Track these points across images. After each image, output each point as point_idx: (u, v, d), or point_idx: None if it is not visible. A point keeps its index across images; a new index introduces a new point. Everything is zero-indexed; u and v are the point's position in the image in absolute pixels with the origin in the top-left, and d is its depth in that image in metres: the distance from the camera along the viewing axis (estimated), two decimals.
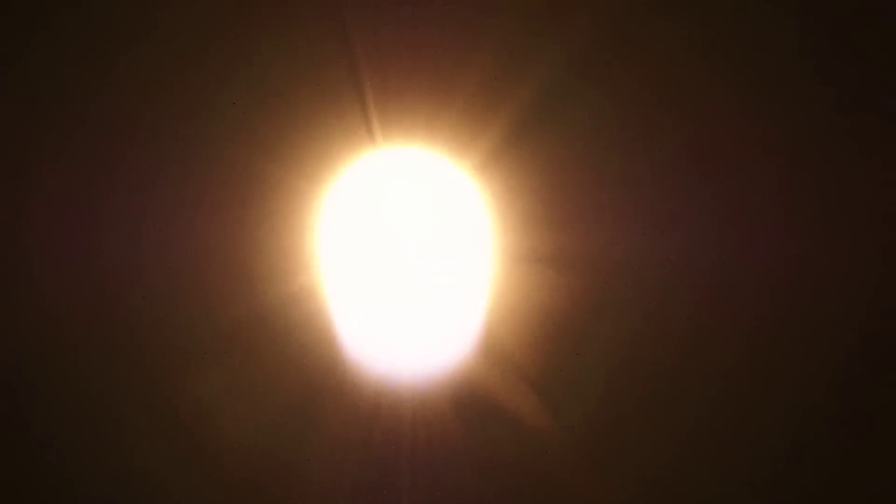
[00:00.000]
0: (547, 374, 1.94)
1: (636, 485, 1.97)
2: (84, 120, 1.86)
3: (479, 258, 1.93)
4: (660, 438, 1.97)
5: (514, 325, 1.93)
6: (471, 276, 1.93)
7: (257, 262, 1.88)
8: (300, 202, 1.89)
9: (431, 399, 1.93)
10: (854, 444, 1.97)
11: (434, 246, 1.93)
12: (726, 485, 1.97)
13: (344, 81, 1.86)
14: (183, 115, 1.82)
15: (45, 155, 1.87)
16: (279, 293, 1.90)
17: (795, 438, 1.96)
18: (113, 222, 1.87)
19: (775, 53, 1.94)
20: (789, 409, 1.96)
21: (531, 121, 1.92)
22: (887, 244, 1.95)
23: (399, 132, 1.89)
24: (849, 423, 1.97)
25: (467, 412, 1.94)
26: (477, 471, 1.93)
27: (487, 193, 1.93)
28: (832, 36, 1.97)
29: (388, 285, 1.93)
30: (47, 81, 1.87)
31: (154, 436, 1.91)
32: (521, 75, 1.90)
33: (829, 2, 1.95)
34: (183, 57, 1.84)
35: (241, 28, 1.85)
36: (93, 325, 1.88)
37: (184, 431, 1.92)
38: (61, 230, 1.87)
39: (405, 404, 1.94)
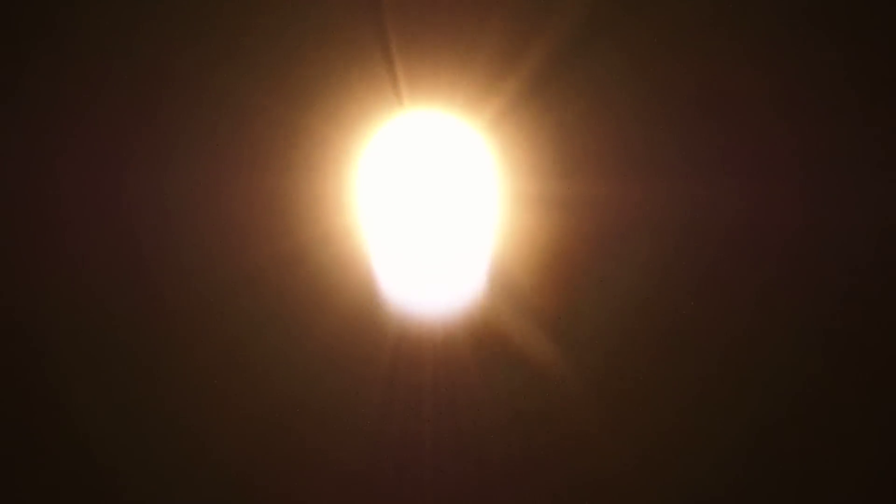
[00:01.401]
0: (558, 311, 2.04)
1: (648, 423, 2.02)
2: (130, 71, 2.03)
3: (493, 203, 2.07)
4: (671, 380, 2.03)
5: (526, 263, 2.05)
6: (486, 218, 2.07)
7: (292, 204, 2.06)
8: (331, 151, 2.07)
9: (451, 334, 2.05)
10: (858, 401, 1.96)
11: (452, 193, 2.10)
12: (737, 428, 2.00)
13: (372, 41, 2.05)
14: (219, 65, 2.03)
15: (84, 108, 2.01)
16: (313, 233, 2.07)
17: (805, 383, 1.99)
18: (152, 167, 2.02)
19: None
20: (800, 356, 1.99)
21: (545, 77, 2.06)
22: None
23: (421, 89, 2.07)
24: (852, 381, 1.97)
25: (484, 347, 2.05)
26: (491, 402, 2.03)
27: (502, 146, 2.08)
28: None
29: (413, 229, 2.10)
30: (81, 33, 2.02)
31: (190, 372, 2.04)
32: (536, 33, 2.05)
33: None
34: (219, 11, 2.06)
35: None
36: (133, 264, 2.01)
37: (218, 369, 2.05)
38: (102, 177, 2.00)
39: (426, 339, 2.06)
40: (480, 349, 2.06)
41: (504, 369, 2.04)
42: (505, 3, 2.05)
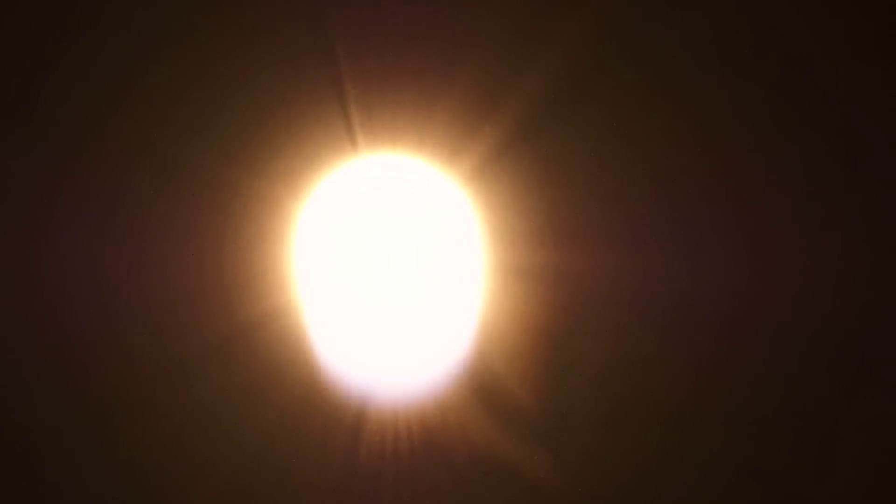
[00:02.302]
0: (535, 396, 1.87)
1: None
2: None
3: (465, 271, 1.88)
4: (654, 458, 1.88)
5: (502, 343, 1.87)
6: (457, 289, 1.88)
7: (242, 275, 1.86)
8: (282, 213, 1.88)
9: (415, 417, 1.88)
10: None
11: (418, 257, 1.89)
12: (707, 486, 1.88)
13: (324, 84, 1.85)
14: (170, 132, 1.84)
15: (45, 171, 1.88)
16: (263, 308, 1.88)
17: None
18: (102, 239, 1.87)
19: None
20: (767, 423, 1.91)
21: (520, 132, 1.88)
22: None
23: (384, 138, 1.86)
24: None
25: (452, 431, 1.88)
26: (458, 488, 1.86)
27: (474, 205, 1.89)
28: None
29: (373, 298, 1.90)
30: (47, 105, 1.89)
31: (140, 445, 1.90)
32: (511, 84, 1.87)
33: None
34: (168, 72, 1.86)
35: (227, 36, 1.86)
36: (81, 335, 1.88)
37: (171, 441, 1.90)
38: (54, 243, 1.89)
39: (389, 423, 1.88)
40: (447, 428, 1.88)
41: (462, 461, 1.87)
42: (473, 54, 1.86)
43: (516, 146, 1.88)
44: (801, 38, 1.92)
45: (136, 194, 1.87)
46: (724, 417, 1.91)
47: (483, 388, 1.88)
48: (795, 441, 1.91)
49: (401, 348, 1.90)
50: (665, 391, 1.90)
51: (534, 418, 1.87)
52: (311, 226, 1.88)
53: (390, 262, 1.88)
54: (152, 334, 1.89)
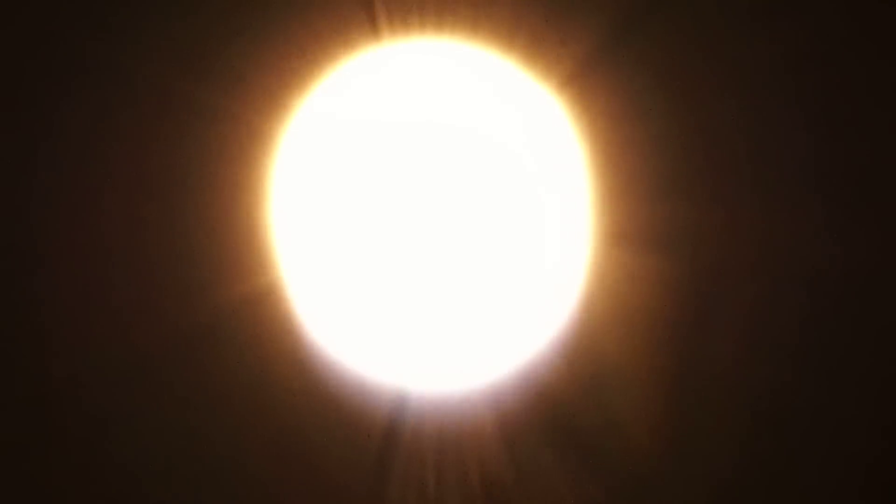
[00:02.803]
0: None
1: None
2: None
3: (559, 229, 1.28)
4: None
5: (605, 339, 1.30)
6: (542, 254, 1.28)
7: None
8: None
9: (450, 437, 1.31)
10: None
11: (478, 197, 1.28)
12: None
13: None
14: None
15: None
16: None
17: None
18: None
19: None
20: None
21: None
22: None
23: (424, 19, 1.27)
24: None
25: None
26: None
27: (567, 123, 1.29)
28: None
29: (409, 260, 1.29)
30: None
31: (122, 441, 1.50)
32: None
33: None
34: None
35: None
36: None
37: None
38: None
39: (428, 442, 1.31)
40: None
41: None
42: None
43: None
44: None
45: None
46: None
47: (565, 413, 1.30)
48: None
49: (445, 337, 1.29)
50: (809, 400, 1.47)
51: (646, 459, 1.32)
52: (315, 144, 1.29)
53: (433, 205, 1.27)
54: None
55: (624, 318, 1.33)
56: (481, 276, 1.29)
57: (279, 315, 1.33)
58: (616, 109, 1.32)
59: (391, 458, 1.34)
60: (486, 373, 1.29)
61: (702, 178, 1.37)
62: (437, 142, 1.28)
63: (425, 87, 1.28)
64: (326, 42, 1.29)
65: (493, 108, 1.29)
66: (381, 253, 1.28)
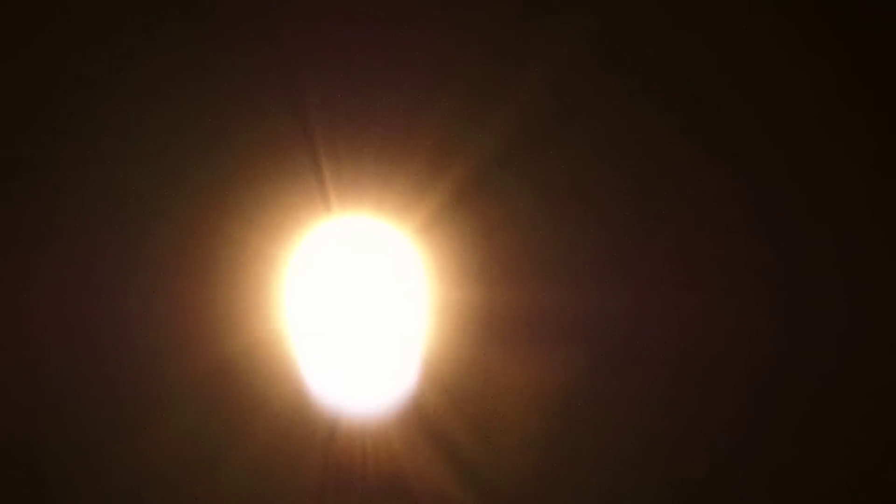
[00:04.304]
0: (483, 409, 2.15)
1: None
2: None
3: (419, 305, 2.17)
4: (585, 469, 2.15)
5: (451, 363, 2.15)
6: (412, 320, 2.17)
7: (224, 312, 2.14)
8: (262, 259, 2.16)
9: (381, 434, 2.15)
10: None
11: (378, 297, 2.20)
12: None
13: (303, 154, 2.14)
14: (160, 186, 2.12)
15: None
16: (245, 340, 2.15)
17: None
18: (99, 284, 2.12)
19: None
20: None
21: (471, 187, 2.16)
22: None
23: (351, 198, 2.16)
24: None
25: (413, 446, 2.15)
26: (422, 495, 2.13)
27: (428, 253, 2.18)
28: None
29: (342, 332, 2.19)
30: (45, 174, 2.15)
31: (128, 471, 2.12)
32: (464, 145, 2.14)
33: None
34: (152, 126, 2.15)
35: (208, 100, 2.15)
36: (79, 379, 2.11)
37: (159, 468, 2.13)
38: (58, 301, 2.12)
39: (357, 439, 2.15)
40: (410, 448, 2.16)
41: (433, 466, 2.15)
42: (431, 117, 2.14)
43: (467, 201, 2.17)
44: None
45: (124, 241, 2.14)
46: (664, 444, 2.14)
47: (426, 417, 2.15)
48: (730, 459, 2.14)
49: (361, 375, 2.18)
50: (607, 424, 2.14)
51: (473, 449, 2.14)
52: (286, 272, 2.17)
53: (354, 303, 2.19)
54: (142, 366, 2.13)
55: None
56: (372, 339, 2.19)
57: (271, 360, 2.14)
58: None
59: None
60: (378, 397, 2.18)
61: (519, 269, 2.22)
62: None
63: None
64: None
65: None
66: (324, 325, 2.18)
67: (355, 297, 2.19)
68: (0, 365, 2.08)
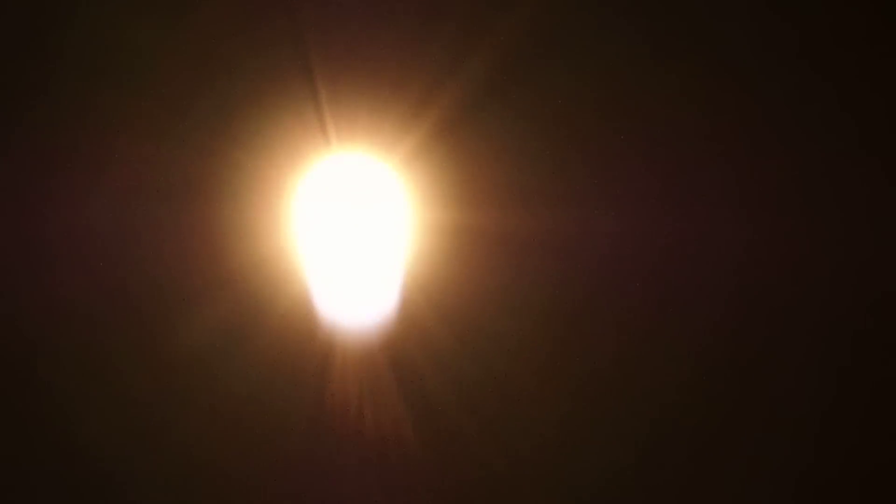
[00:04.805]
0: (467, 322, 2.30)
1: (546, 417, 2.27)
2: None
3: (409, 229, 2.34)
4: (565, 380, 2.29)
5: (438, 282, 2.31)
6: (402, 243, 2.34)
7: (233, 230, 2.36)
8: (268, 186, 2.36)
9: (373, 342, 2.33)
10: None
11: (371, 219, 2.38)
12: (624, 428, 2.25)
13: (302, 83, 2.32)
14: (167, 109, 2.35)
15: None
16: (251, 256, 2.37)
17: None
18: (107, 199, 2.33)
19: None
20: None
21: (461, 117, 2.30)
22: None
23: (347, 128, 2.32)
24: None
25: (403, 354, 2.33)
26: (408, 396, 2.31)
27: (417, 180, 2.33)
28: None
29: (339, 253, 2.38)
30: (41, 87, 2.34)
31: (137, 382, 2.34)
32: (455, 76, 2.29)
33: None
34: (170, 73, 2.39)
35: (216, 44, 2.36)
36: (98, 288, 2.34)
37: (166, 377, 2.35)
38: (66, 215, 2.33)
39: (353, 345, 2.34)
40: (400, 354, 2.33)
41: (420, 371, 2.31)
42: (423, 49, 2.29)
43: (456, 129, 2.31)
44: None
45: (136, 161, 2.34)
46: (649, 369, 2.26)
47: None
48: (713, 391, 2.26)
49: (356, 288, 2.37)
50: (593, 343, 2.27)
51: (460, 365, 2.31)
52: (288, 196, 2.37)
53: (349, 223, 2.39)
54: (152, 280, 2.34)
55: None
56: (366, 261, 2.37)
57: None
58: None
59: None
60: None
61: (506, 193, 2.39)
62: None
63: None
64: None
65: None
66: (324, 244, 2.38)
67: (352, 217, 2.36)
68: (24, 279, 2.34)
